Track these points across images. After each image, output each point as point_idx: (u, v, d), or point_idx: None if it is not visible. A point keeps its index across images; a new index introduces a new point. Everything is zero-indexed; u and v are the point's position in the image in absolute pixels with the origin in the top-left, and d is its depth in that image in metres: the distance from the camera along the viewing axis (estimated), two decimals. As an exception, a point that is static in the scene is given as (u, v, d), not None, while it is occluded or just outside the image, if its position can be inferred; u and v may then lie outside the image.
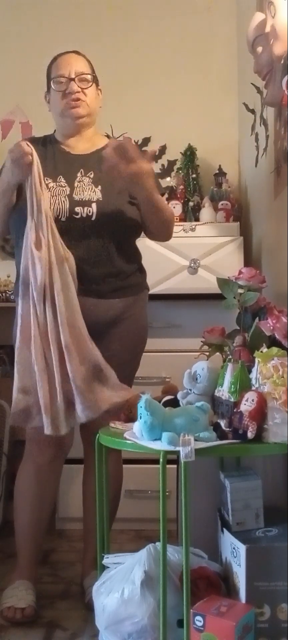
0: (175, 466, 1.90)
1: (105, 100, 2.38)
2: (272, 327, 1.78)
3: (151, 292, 2.38)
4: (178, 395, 1.86)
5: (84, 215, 2.10)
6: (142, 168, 2.01)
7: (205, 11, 3.57)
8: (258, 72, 2.03)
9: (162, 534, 1.56)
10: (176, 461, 1.75)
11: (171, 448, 1.55)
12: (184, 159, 3.41)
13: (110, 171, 2.03)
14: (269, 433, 1.58)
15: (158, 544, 1.63)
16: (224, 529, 1.75)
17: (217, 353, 1.97)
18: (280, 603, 1.59)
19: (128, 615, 1.66)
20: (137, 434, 1.67)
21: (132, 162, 1.98)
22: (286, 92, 1.84)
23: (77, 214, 2.10)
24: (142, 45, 3.56)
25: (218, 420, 1.68)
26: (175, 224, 3.03)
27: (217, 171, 3.38)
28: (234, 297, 1.92)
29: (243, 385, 1.68)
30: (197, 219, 3.18)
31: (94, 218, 2.10)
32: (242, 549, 1.61)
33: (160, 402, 1.78)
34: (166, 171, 3.52)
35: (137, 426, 1.67)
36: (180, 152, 3.44)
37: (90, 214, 2.10)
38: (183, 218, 3.20)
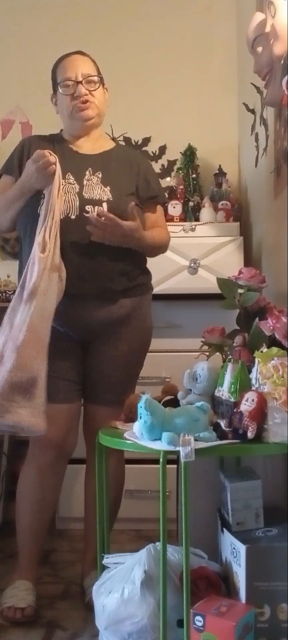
0: (175, 466, 1.90)
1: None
2: (272, 327, 1.78)
3: (151, 292, 2.38)
4: (179, 395, 1.86)
5: (95, 214, 2.11)
6: (130, 228, 2.09)
7: (205, 11, 3.57)
8: (258, 72, 2.02)
9: (162, 534, 1.56)
10: (176, 461, 1.76)
11: (171, 448, 1.55)
12: (184, 159, 3.41)
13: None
14: (269, 433, 1.58)
15: (158, 544, 1.63)
16: (224, 529, 1.75)
17: (217, 353, 1.96)
18: (280, 603, 1.59)
19: (128, 615, 1.66)
20: (137, 434, 1.67)
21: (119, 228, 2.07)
22: (286, 92, 1.84)
23: (87, 212, 2.11)
24: (142, 45, 3.55)
25: (218, 420, 1.68)
26: (175, 224, 3.07)
27: (217, 171, 3.38)
28: (234, 297, 1.93)
29: (243, 385, 1.68)
30: (197, 219, 3.18)
31: None
32: (242, 549, 1.61)
33: (160, 402, 1.78)
34: (166, 171, 3.52)
35: (137, 426, 1.67)
36: (180, 152, 3.44)
37: None
38: (183, 218, 3.20)
